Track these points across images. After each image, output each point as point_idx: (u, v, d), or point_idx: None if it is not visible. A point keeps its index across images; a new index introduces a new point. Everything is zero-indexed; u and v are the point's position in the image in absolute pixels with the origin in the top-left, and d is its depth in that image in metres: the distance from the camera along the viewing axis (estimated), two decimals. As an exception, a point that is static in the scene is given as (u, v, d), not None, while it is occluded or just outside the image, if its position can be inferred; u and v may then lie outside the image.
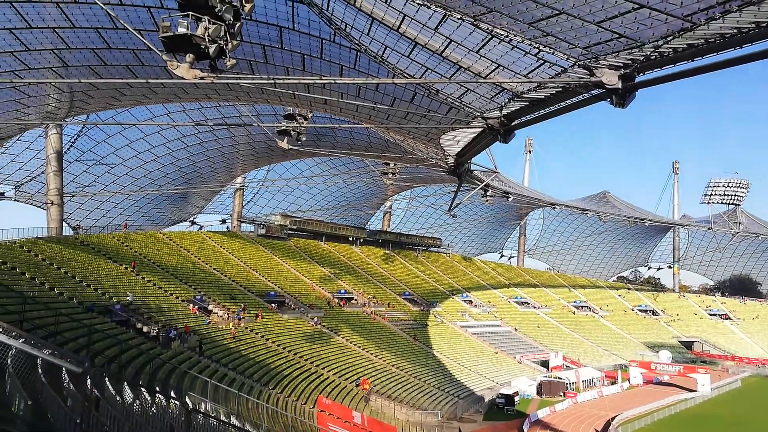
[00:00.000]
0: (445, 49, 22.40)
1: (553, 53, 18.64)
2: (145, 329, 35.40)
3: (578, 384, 62.22)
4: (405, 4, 20.07)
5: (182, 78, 16.29)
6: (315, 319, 55.90)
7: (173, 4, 17.40)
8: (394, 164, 57.91)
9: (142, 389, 19.72)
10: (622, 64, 17.22)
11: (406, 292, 79.68)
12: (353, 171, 72.50)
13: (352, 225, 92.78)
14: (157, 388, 22.64)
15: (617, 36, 16.05)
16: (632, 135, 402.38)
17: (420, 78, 26.12)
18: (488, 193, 53.95)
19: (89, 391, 14.94)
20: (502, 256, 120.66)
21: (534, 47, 18.84)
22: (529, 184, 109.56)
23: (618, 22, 15.31)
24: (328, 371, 44.67)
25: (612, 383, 66.11)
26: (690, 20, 13.99)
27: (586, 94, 19.69)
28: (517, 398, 52.91)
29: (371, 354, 53.48)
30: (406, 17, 21.25)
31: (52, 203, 50.04)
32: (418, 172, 63.38)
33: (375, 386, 45.88)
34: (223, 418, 21.69)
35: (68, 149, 52.34)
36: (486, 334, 74.93)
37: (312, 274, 71.30)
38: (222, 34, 15.49)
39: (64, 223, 52.01)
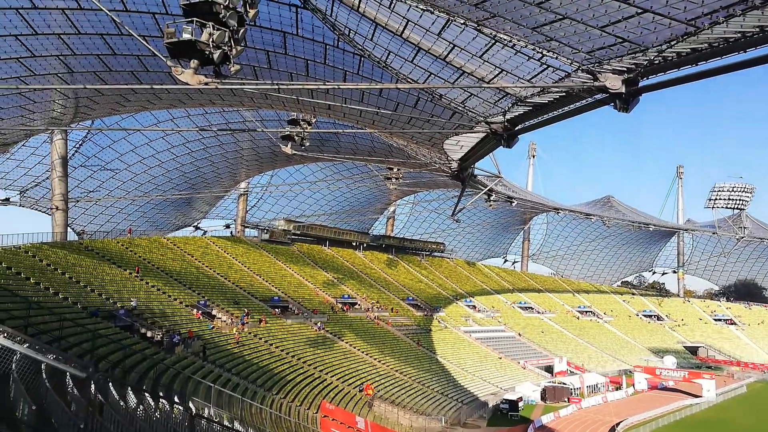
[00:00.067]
0: (448, 54, 22.44)
1: (556, 58, 18.65)
2: (149, 334, 35.45)
3: (583, 389, 61.91)
4: (408, 10, 20.14)
5: (187, 84, 16.37)
6: (318, 324, 55.85)
7: (178, 10, 17.49)
8: (398, 169, 57.91)
9: (146, 394, 19.73)
10: (625, 69, 17.21)
11: (410, 297, 79.55)
12: (357, 176, 72.64)
13: (355, 230, 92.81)
14: (161, 393, 22.65)
15: (621, 40, 16.05)
16: (636, 138, 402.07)
17: (423, 83, 26.16)
18: (492, 198, 53.94)
19: (93, 396, 14.94)
20: (505, 261, 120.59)
21: (537, 52, 18.86)
22: (533, 189, 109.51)
23: (621, 26, 15.31)
24: (331, 376, 44.59)
25: (617, 389, 65.76)
26: (694, 24, 13.98)
27: (589, 99, 19.67)
28: (521, 404, 52.68)
29: (375, 359, 53.37)
30: (409, 22, 21.32)
31: (56, 208, 50.24)
32: (421, 176, 63.45)
33: (378, 391, 45.76)
34: (226, 423, 21.68)
35: (73, 155, 52.61)
36: (490, 339, 74.70)
37: (315, 279, 71.29)
38: (226, 39, 15.56)
39: (68, 228, 52.21)
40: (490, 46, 20.18)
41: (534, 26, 17.26)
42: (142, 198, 63.93)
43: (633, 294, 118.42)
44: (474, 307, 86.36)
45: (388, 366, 53.03)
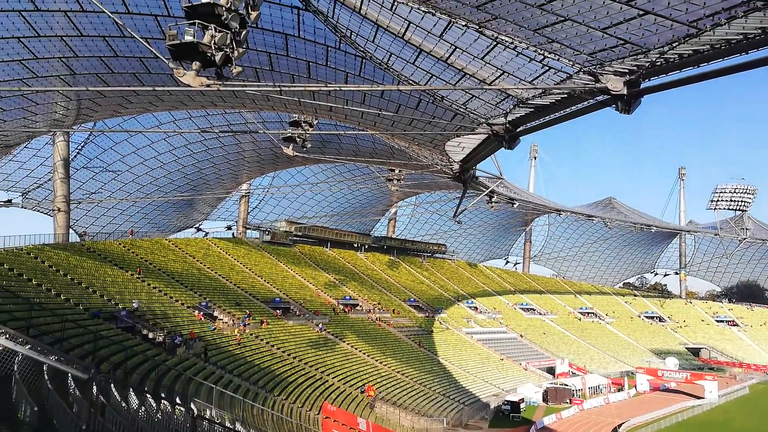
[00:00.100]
0: (450, 55, 22.46)
1: (558, 60, 18.66)
2: (150, 335, 35.43)
3: (584, 391, 61.82)
4: (410, 12, 20.16)
5: (188, 85, 16.40)
6: (320, 326, 55.85)
7: (180, 12, 17.56)
8: (399, 170, 57.96)
9: (148, 395, 19.74)
10: (627, 71, 17.21)
11: (411, 299, 79.53)
12: (358, 177, 72.65)
13: (357, 231, 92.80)
14: (163, 395, 22.66)
15: (622, 42, 16.05)
16: (637, 140, 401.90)
17: (425, 85, 26.17)
18: (493, 200, 53.83)
19: (95, 397, 14.95)
20: (507, 262, 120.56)
21: (539, 54, 18.87)
22: (535, 190, 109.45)
23: (623, 28, 15.31)
24: (333, 378, 44.58)
25: (618, 390, 65.64)
26: (695, 26, 13.97)
27: (591, 101, 19.68)
28: (523, 405, 52.61)
29: (376, 360, 53.34)
30: (411, 24, 21.34)
31: (58, 210, 50.31)
32: (423, 178, 63.46)
33: (380, 393, 45.73)
34: (228, 424, 21.68)
35: (75, 156, 52.70)
36: (491, 341, 74.62)
37: (317, 281, 71.30)
38: (228, 41, 15.60)
39: (70, 229, 52.23)
40: (492, 48, 20.19)
41: (536, 28, 17.27)
42: (144, 199, 64.01)
43: (635, 295, 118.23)
44: (475, 308, 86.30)
45: (389, 367, 53.00)
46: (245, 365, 38.64)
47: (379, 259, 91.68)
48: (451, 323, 76.07)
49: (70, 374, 15.89)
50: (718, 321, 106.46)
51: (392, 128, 36.35)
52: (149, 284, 46.03)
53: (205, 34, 15.30)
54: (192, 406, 22.24)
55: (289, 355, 45.37)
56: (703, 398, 60.78)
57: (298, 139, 39.77)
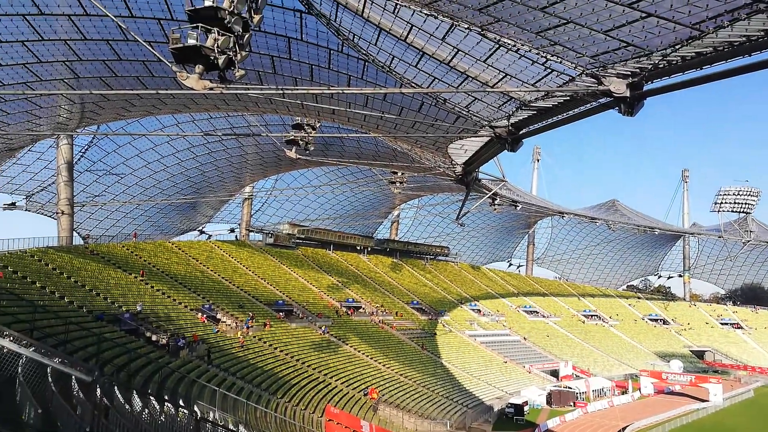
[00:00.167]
0: (452, 58, 22.49)
1: (560, 62, 18.66)
2: (154, 338, 35.50)
3: (588, 394, 61.62)
4: (412, 15, 20.20)
5: (192, 89, 16.45)
6: (323, 328, 55.85)
7: (183, 16, 17.61)
8: (402, 173, 57.99)
9: (151, 398, 19.75)
10: (630, 73, 17.21)
11: (414, 301, 79.48)
12: (361, 180, 72.68)
13: (359, 234, 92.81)
14: (166, 397, 22.67)
15: (625, 44, 16.05)
16: (640, 141, 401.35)
17: (427, 87, 26.21)
18: (496, 202, 53.82)
19: (98, 399, 14.98)
20: (510, 264, 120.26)
21: (541, 56, 18.87)
22: (538, 193, 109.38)
23: (626, 30, 15.31)
24: (336, 380, 44.55)
25: (623, 393, 65.39)
26: (698, 28, 13.97)
27: (594, 103, 19.67)
28: (526, 408, 52.45)
29: (379, 363, 53.31)
30: (413, 27, 21.38)
31: (62, 213, 50.49)
32: (425, 180, 63.44)
33: (383, 395, 45.69)
34: (231, 427, 21.70)
35: (79, 159, 52.86)
36: (495, 344, 74.49)
37: (320, 283, 71.32)
38: (231, 45, 15.65)
39: (74, 232, 52.44)
40: (494, 51, 20.21)
41: (538, 30, 17.28)
42: (147, 202, 64.15)
43: (639, 298, 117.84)
44: (479, 311, 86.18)
45: (392, 370, 52.96)
46: (248, 368, 38.67)
47: (381, 261, 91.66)
48: (454, 326, 75.97)
49: (73, 376, 15.93)
50: (722, 324, 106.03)
51: (395, 131, 36.39)
52: (152, 287, 46.13)
53: (208, 37, 15.35)
54: (195, 408, 22.26)
55: (291, 357, 45.37)
56: (707, 401, 60.47)
57: (300, 142, 39.82)
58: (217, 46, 15.34)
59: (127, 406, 16.14)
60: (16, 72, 31.08)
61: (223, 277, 58.48)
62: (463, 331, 75.06)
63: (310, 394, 39.64)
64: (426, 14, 19.41)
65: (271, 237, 77.39)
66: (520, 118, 24.80)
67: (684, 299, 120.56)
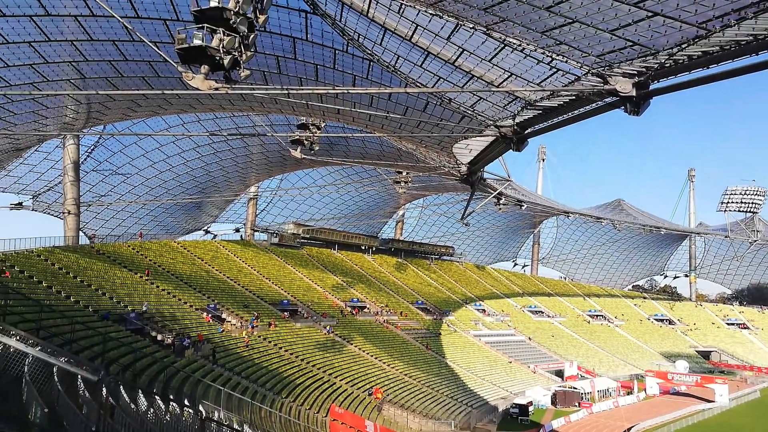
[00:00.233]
0: (457, 58, 22.45)
1: (566, 61, 18.61)
2: (159, 337, 35.63)
3: (593, 394, 61.42)
4: (417, 15, 20.18)
5: (197, 89, 16.49)
6: (328, 328, 55.89)
7: (189, 16, 17.65)
8: (407, 173, 57.95)
9: (156, 397, 19.82)
10: (636, 72, 17.14)
11: (419, 301, 79.42)
12: (366, 180, 72.66)
13: (364, 233, 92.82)
14: (171, 397, 22.74)
15: (631, 44, 15.98)
16: (646, 140, 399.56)
17: (432, 87, 26.18)
18: (501, 202, 53.69)
19: (104, 399, 15.04)
20: (515, 264, 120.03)
21: (547, 56, 18.82)
22: (543, 192, 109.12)
23: (632, 29, 15.25)
24: (340, 380, 44.58)
25: (628, 393, 65.16)
26: (705, 27, 13.90)
27: (599, 102, 19.61)
28: (531, 408, 52.37)
29: (384, 363, 53.31)
30: (418, 27, 21.35)
31: (68, 213, 50.70)
32: (430, 180, 63.38)
33: (388, 395, 45.69)
34: (236, 426, 21.73)
35: (85, 159, 53.12)
36: (500, 344, 74.36)
37: (325, 283, 71.38)
38: (236, 45, 15.67)
39: (80, 232, 52.64)
40: (500, 50, 20.17)
41: (543, 30, 17.23)
42: (153, 202, 64.37)
43: (644, 298, 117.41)
44: (483, 311, 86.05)
45: (397, 370, 52.95)
46: (253, 367, 38.73)
47: (386, 261, 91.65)
48: (459, 326, 75.90)
49: (79, 376, 16.00)
50: (728, 324, 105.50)
51: (400, 130, 36.38)
52: (158, 286, 46.28)
53: (213, 37, 15.39)
54: (200, 408, 22.31)
55: (296, 357, 45.43)
56: (713, 402, 60.18)
57: (306, 142, 39.89)
58: (223, 47, 15.37)
59: (133, 406, 16.19)
60: (23, 72, 31.25)
61: (228, 277, 58.60)
62: (467, 331, 74.97)
63: (315, 394, 39.68)
64: (431, 14, 19.39)
65: (276, 237, 77.52)
66: (526, 117, 24.75)
67: (690, 299, 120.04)
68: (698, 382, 66.29)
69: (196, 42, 15.31)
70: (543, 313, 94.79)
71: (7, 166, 49.72)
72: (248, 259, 67.03)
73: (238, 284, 57.99)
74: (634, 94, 17.27)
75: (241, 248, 69.76)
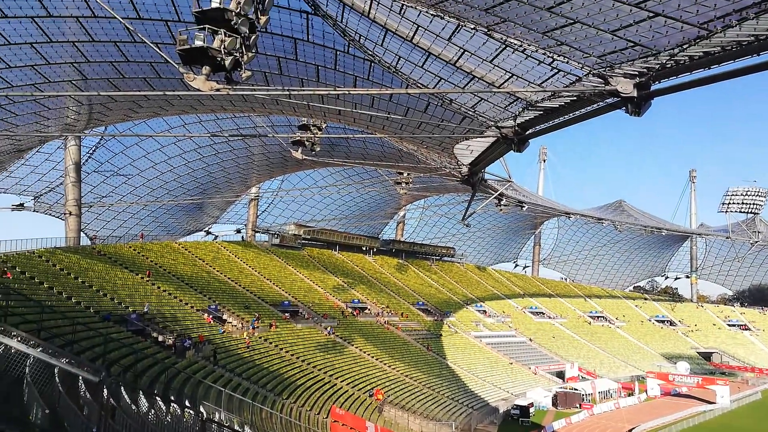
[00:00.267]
0: (458, 59, 22.45)
1: (567, 62, 18.60)
2: (160, 338, 35.62)
3: (594, 395, 61.37)
4: (418, 16, 20.18)
5: (198, 90, 16.48)
6: (328, 329, 55.88)
7: (190, 17, 17.68)
8: (408, 174, 57.94)
9: (157, 398, 19.81)
10: (637, 73, 17.13)
11: (420, 302, 79.39)
12: (367, 181, 72.69)
13: (365, 234, 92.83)
14: (172, 398, 22.72)
15: (632, 44, 15.97)
16: (647, 141, 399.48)
17: (433, 88, 26.17)
18: (502, 203, 53.69)
19: (105, 399, 15.03)
20: (516, 265, 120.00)
21: (548, 56, 18.81)
22: (544, 193, 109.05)
23: (633, 30, 15.24)
24: (341, 381, 44.56)
25: (629, 395, 65.12)
26: (706, 28, 13.88)
27: (600, 103, 19.59)
28: (532, 409, 52.33)
29: (385, 364, 53.28)
30: (419, 28, 21.36)
31: (70, 213, 50.75)
32: (431, 181, 63.35)
33: (388, 396, 45.67)
34: (237, 427, 21.73)
35: (86, 160, 53.16)
36: (500, 345, 74.32)
37: (325, 284, 71.37)
38: (238, 46, 15.67)
39: (81, 233, 52.69)
40: (501, 51, 20.16)
41: (544, 31, 17.23)
42: (154, 203, 64.40)
43: (645, 299, 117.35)
44: (484, 312, 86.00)
45: (398, 371, 52.92)
46: (254, 368, 38.73)
47: (387, 262, 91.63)
48: (460, 327, 75.86)
49: (80, 377, 16.01)
50: (729, 325, 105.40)
51: (401, 131, 36.37)
52: (159, 287, 46.29)
53: (215, 38, 15.38)
54: (201, 409, 22.30)
55: (297, 358, 45.42)
56: (714, 403, 60.13)
57: (307, 143, 39.90)
58: (224, 48, 15.37)
59: (134, 407, 16.18)
60: (25, 73, 31.27)
61: (229, 278, 58.61)
62: (468, 332, 74.94)
63: (316, 395, 39.66)
64: (432, 15, 19.39)
65: (277, 238, 77.54)
66: (527, 118, 24.74)
67: (691, 300, 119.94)
68: (699, 383, 66.21)
69: (198, 43, 15.30)
70: (544, 314, 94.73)
71: (8, 167, 49.76)
72: (249, 260, 67.04)
73: (239, 285, 58.00)
74: (635, 94, 17.25)
75: (242, 249, 69.78)
